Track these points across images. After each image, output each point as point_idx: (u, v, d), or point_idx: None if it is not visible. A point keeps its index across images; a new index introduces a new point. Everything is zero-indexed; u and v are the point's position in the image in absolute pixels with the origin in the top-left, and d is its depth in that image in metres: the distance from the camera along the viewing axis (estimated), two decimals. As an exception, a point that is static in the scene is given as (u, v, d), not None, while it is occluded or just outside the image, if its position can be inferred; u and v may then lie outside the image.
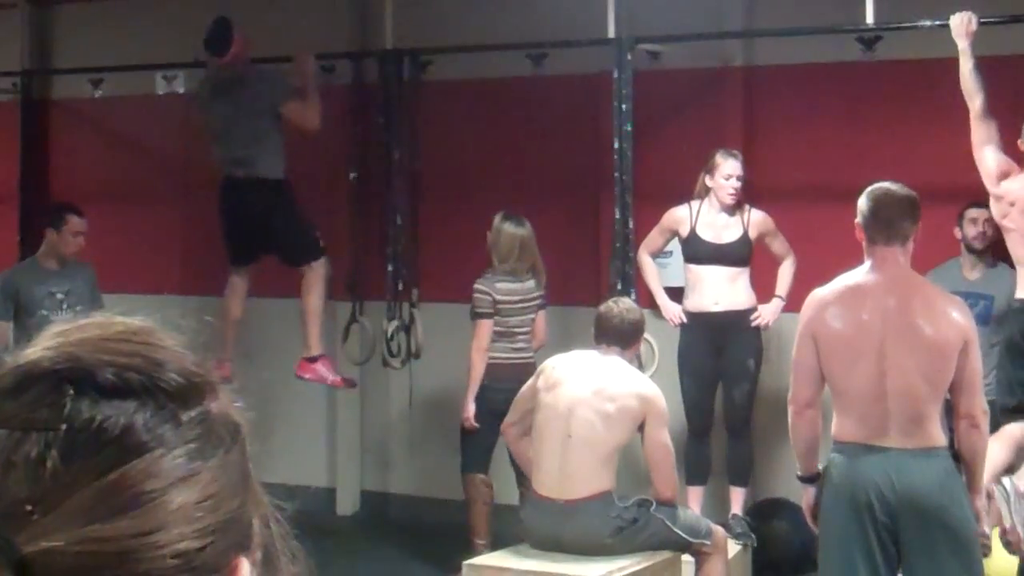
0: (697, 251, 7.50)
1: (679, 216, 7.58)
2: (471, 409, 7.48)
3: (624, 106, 7.75)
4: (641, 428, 6.01)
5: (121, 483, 0.90)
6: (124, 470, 0.91)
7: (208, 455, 0.95)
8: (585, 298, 8.30)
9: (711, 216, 7.50)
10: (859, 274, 5.06)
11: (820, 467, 5.09)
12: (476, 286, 7.52)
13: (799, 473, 5.19)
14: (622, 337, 6.16)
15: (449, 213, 8.18)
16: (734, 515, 7.44)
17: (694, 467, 7.48)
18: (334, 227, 8.57)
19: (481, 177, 8.82)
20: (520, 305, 7.60)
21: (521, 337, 7.62)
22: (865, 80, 7.92)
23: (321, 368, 7.84)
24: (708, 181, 7.51)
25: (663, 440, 6.01)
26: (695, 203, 7.57)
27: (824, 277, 5.31)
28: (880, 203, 5.02)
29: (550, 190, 8.74)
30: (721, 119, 8.26)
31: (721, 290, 7.46)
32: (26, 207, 10.03)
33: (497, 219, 7.62)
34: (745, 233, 7.49)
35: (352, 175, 8.64)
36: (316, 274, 7.76)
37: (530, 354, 7.61)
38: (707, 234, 7.48)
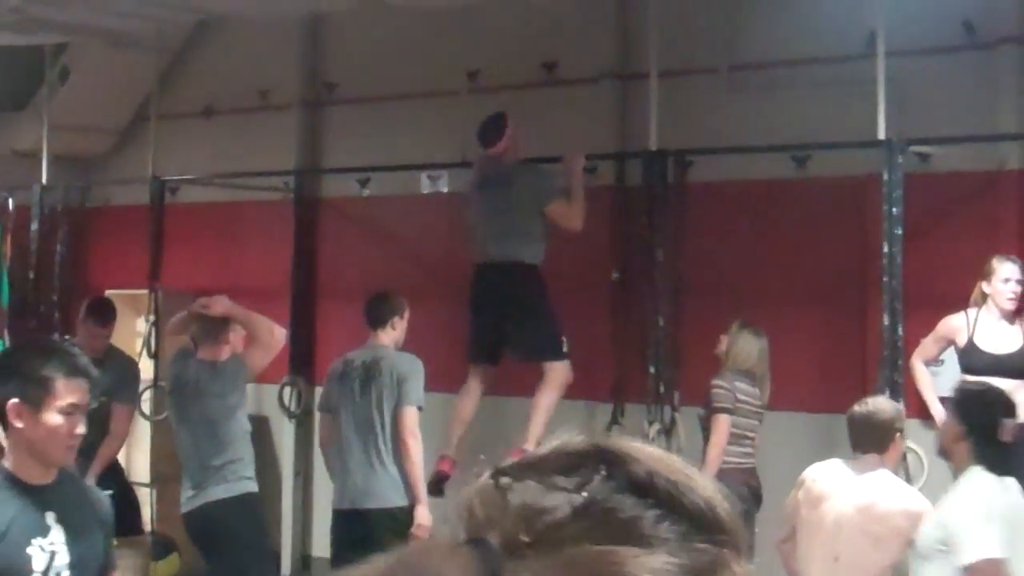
0: (975, 362, 7.24)
1: (955, 325, 7.35)
2: None
3: (894, 210, 7.57)
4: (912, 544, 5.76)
5: (611, 558, 0.96)
6: (617, 548, 0.96)
7: None
8: (849, 406, 8.08)
9: (990, 325, 7.25)
10: None
11: None
12: (715, 382, 7.52)
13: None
14: (874, 440, 5.83)
15: (711, 315, 8.09)
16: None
17: None
18: (596, 327, 8.59)
19: (744, 280, 8.72)
20: (754, 409, 7.55)
21: (749, 442, 7.59)
22: None
23: None
24: (985, 287, 7.28)
25: None
26: (972, 311, 7.33)
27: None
28: None
29: (814, 294, 8.59)
30: (996, 224, 7.99)
31: None
32: (296, 301, 10.38)
33: (735, 326, 7.64)
34: None
35: (615, 275, 8.68)
36: (554, 374, 7.71)
37: (754, 460, 7.60)
38: (986, 344, 7.23)
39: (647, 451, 1.05)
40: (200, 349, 6.95)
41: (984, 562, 4.97)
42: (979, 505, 5.10)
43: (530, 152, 8.90)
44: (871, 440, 5.82)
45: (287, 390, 10.23)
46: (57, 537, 3.74)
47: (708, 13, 9.02)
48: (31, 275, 10.98)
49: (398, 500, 7.09)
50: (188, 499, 6.81)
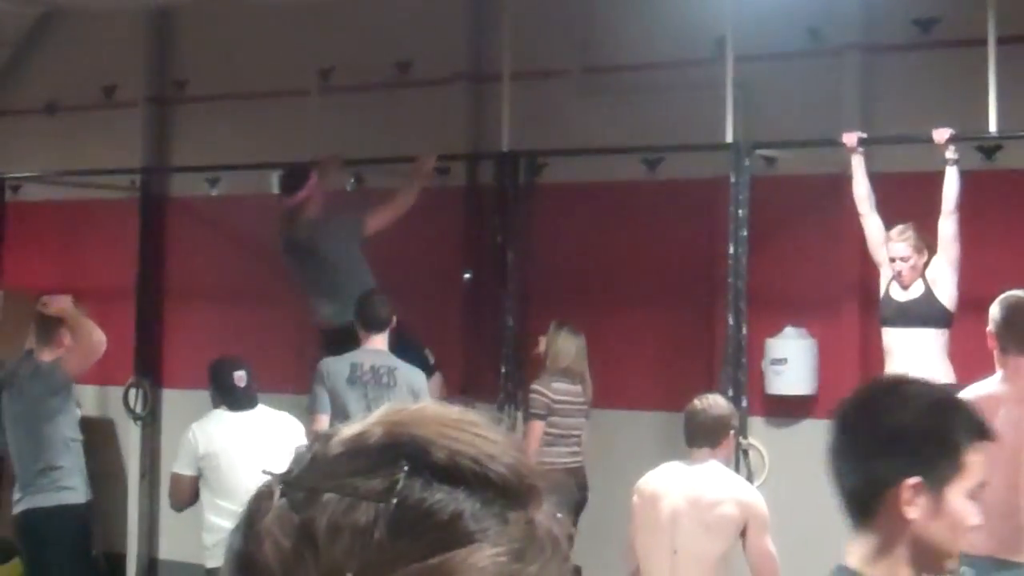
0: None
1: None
2: None
3: (740, 212, 7.69)
4: (743, 534, 5.82)
5: (442, 569, 0.89)
6: (447, 556, 0.90)
7: (529, 560, 0.93)
8: (696, 405, 8.19)
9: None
10: (991, 384, 4.94)
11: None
12: (532, 387, 7.66)
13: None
14: (707, 434, 5.87)
15: (561, 316, 8.11)
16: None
17: None
18: (447, 327, 8.57)
19: (594, 280, 8.78)
20: (575, 407, 7.65)
21: (575, 440, 7.71)
22: (986, 188, 7.78)
23: None
24: None
25: (766, 546, 5.78)
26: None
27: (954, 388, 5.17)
28: (1014, 312, 4.93)
29: (663, 295, 8.68)
30: (838, 226, 8.14)
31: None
32: (142, 303, 10.17)
33: (553, 326, 7.77)
34: None
35: (466, 275, 8.67)
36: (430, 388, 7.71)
37: (581, 458, 7.72)
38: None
39: (441, 424, 0.96)
40: (36, 348, 6.79)
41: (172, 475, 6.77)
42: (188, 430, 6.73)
43: (382, 152, 8.86)
44: (705, 436, 5.87)
45: (132, 392, 10.03)
46: None
47: (561, 16, 9.06)
48: None
49: None
50: (16, 501, 6.61)
